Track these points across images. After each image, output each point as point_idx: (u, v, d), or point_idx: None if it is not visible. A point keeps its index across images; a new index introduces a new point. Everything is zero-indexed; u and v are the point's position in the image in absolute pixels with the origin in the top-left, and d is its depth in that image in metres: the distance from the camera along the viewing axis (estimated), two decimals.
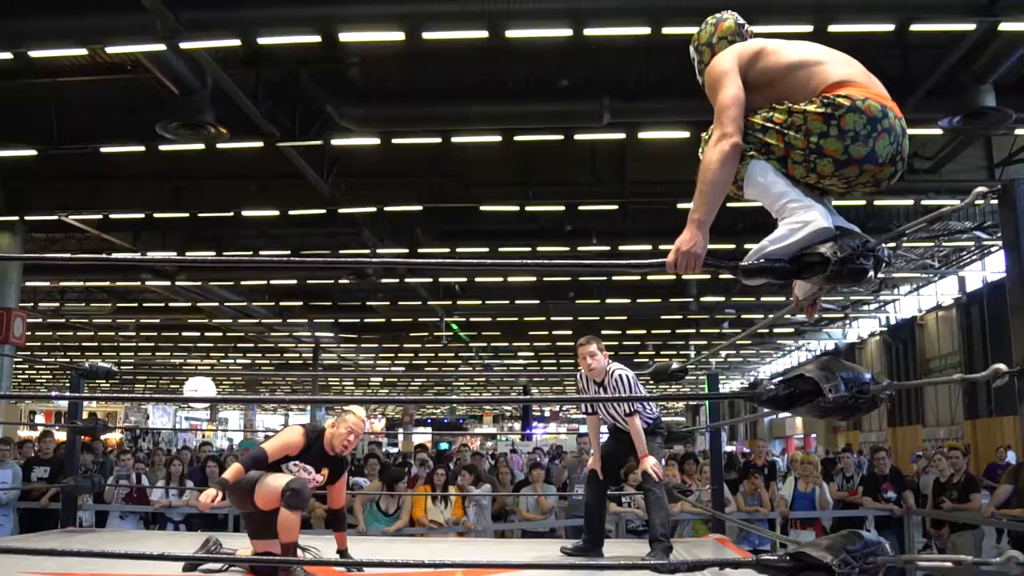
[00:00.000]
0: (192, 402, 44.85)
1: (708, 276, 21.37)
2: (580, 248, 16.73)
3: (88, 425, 6.31)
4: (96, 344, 32.53)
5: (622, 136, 12.46)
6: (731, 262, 2.57)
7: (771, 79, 2.63)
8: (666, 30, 8.99)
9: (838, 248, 2.39)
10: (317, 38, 9.52)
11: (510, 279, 21.00)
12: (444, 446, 23.15)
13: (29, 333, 18.77)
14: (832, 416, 2.29)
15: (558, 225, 16.19)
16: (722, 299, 23.14)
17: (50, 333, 29.62)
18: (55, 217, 15.31)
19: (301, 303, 24.94)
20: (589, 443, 6.24)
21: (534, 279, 21.10)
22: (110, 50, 10.23)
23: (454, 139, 12.49)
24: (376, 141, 12.49)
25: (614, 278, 20.87)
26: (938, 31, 9.63)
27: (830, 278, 2.43)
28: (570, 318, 25.59)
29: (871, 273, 2.44)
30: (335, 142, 12.56)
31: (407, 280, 20.70)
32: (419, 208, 15.40)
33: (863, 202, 14.28)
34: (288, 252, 17.90)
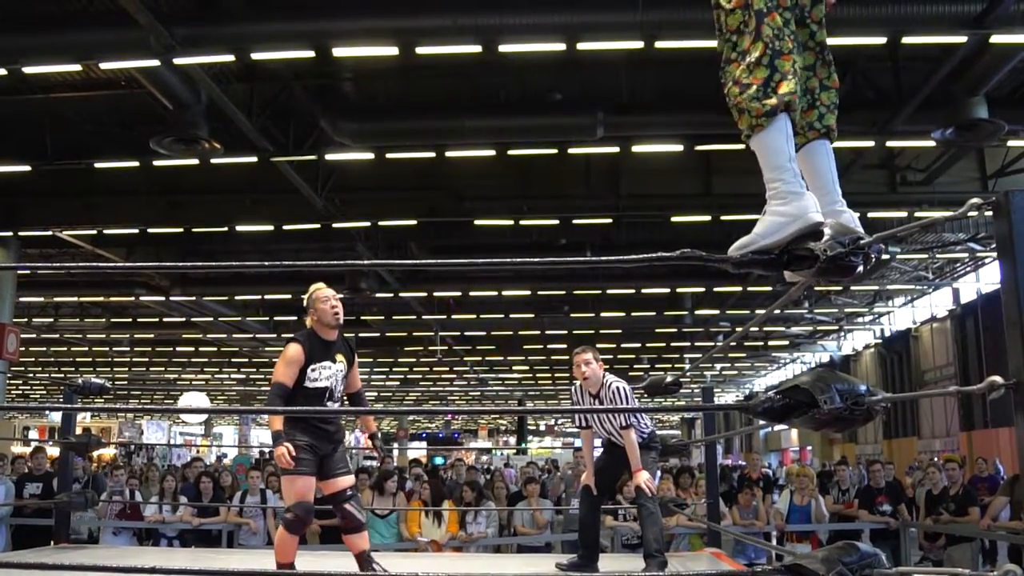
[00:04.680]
0: (184, 414, 44.60)
1: (703, 289, 21.39)
2: None
3: (81, 440, 6.26)
4: (90, 360, 32.43)
5: (616, 150, 12.47)
6: (721, 255, 2.57)
7: None
8: (659, 44, 9.01)
9: (828, 247, 2.41)
10: (311, 53, 9.53)
11: (504, 293, 20.95)
12: (440, 461, 23.08)
13: (23, 348, 18.68)
14: (827, 428, 2.28)
15: (552, 239, 16.20)
16: (716, 312, 23.12)
17: (44, 348, 29.52)
18: (49, 232, 15.29)
19: (295, 318, 24.86)
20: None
21: (528, 293, 21.05)
22: (104, 66, 10.26)
23: (448, 153, 12.52)
24: (370, 156, 12.50)
25: (608, 292, 20.85)
26: (930, 44, 9.67)
27: (818, 273, 2.45)
28: (564, 332, 25.57)
29: (860, 268, 2.46)
30: (329, 157, 12.58)
31: (401, 294, 20.66)
32: (413, 222, 15.40)
33: (856, 214, 14.29)
34: None
